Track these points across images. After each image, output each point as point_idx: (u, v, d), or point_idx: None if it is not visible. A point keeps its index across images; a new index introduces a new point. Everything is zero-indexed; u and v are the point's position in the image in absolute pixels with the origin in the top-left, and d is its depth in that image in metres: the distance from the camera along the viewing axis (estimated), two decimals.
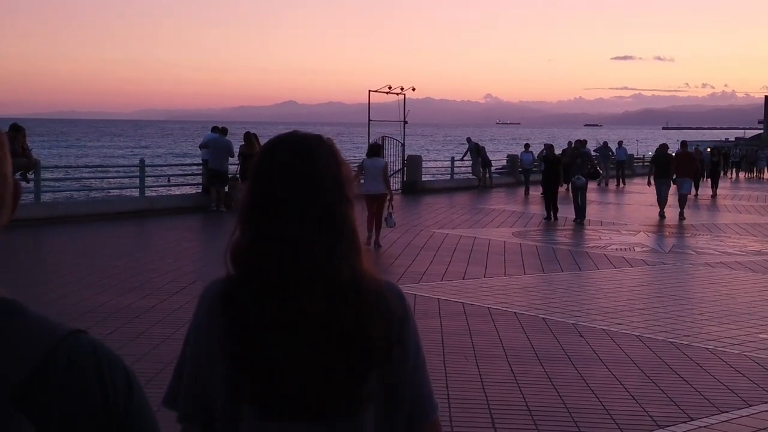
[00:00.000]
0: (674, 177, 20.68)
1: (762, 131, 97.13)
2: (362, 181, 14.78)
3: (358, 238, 1.73)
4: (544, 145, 24.77)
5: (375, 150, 14.82)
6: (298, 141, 1.73)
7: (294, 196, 1.67)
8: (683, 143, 22.57)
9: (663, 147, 21.41)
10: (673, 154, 22.13)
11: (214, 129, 20.90)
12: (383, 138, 25.58)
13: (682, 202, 20.87)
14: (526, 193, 27.34)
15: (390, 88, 26.55)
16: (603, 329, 8.57)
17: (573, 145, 23.55)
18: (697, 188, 26.13)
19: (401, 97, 27.03)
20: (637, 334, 8.40)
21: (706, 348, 7.94)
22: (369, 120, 26.15)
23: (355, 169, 14.45)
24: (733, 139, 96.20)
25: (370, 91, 25.97)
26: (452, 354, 7.41)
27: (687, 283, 11.79)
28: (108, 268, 11.43)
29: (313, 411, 1.63)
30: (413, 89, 27.43)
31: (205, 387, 1.69)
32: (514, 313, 9.23)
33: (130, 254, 12.93)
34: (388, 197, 14.19)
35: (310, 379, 1.62)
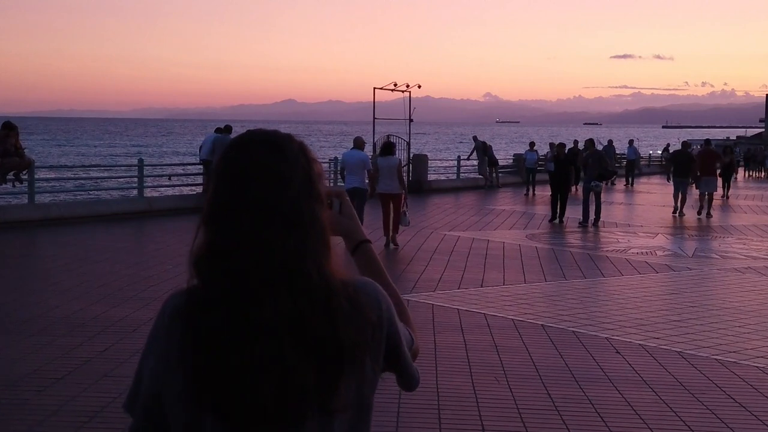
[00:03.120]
0: (698, 175, 20.42)
1: (763, 130, 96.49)
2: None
3: (329, 239, 1.64)
4: (551, 144, 23.99)
5: (388, 148, 14.41)
6: (267, 136, 1.65)
7: (261, 193, 1.58)
8: (707, 141, 22.08)
9: (684, 145, 20.94)
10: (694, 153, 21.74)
11: (218, 130, 20.27)
12: (388, 136, 24.95)
13: (709, 200, 20.72)
14: (532, 192, 26.69)
15: (395, 85, 25.89)
16: (640, 344, 7.89)
17: (585, 145, 22.68)
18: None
19: (404, 95, 26.37)
20: (678, 350, 7.71)
21: (757, 366, 7.26)
22: (374, 118, 25.46)
23: (371, 167, 14.07)
24: (734, 138, 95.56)
25: (375, 88, 25.29)
26: (480, 374, 6.73)
27: (719, 290, 11.09)
28: (104, 275, 10.75)
29: (280, 420, 1.54)
30: (419, 87, 26.78)
31: (160, 402, 1.61)
32: (541, 325, 8.55)
33: (127, 259, 12.24)
34: (404, 196, 13.96)
35: (274, 387, 1.52)
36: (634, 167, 33.96)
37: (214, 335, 1.54)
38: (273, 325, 1.54)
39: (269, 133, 1.67)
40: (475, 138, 30.90)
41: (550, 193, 20.39)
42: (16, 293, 9.65)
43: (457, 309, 9.22)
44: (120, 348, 7.26)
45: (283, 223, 1.58)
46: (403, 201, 14.01)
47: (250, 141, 1.65)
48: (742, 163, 42.65)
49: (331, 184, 21.28)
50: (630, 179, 33.07)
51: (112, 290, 9.78)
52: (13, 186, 16.34)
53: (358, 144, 14.45)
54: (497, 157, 30.88)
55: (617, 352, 7.57)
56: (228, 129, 19.83)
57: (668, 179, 21.66)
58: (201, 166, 20.75)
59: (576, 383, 6.57)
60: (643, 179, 36.36)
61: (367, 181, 14.04)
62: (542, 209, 21.57)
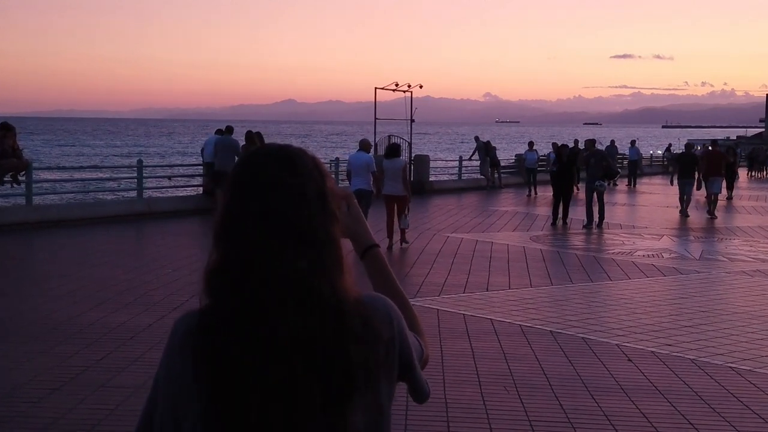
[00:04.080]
0: (704, 176, 20.39)
1: (763, 130, 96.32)
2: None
3: (342, 255, 1.61)
4: (554, 145, 23.69)
5: (394, 150, 14.49)
6: (280, 151, 1.64)
7: (274, 207, 1.56)
8: (714, 142, 21.97)
9: (687, 147, 20.84)
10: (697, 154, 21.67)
11: (218, 132, 20.00)
12: (390, 137, 24.76)
13: (714, 201, 20.60)
14: (532, 193, 26.46)
15: (397, 85, 25.69)
16: (652, 351, 7.68)
17: (585, 145, 22.35)
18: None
19: (404, 95, 26.20)
20: (692, 357, 7.51)
21: None
22: (375, 118, 25.28)
23: (375, 169, 14.07)
24: (735, 138, 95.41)
25: (376, 88, 25.11)
26: (489, 384, 6.53)
27: (729, 294, 10.89)
28: (101, 279, 10.54)
29: None
30: (420, 87, 26.60)
31: (179, 426, 1.57)
32: (550, 331, 8.35)
33: (126, 263, 12.04)
34: (408, 199, 14.10)
35: (282, 406, 1.49)
36: (636, 168, 33.69)
37: (226, 355, 1.51)
38: (284, 344, 1.51)
39: (283, 147, 1.65)
40: (477, 138, 30.69)
41: (552, 194, 20.15)
42: (11, 298, 9.46)
43: (463, 314, 9.02)
44: (118, 356, 7.05)
45: (297, 239, 1.55)
46: (406, 204, 14.09)
47: (264, 155, 1.63)
48: (743, 163, 42.39)
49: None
50: (632, 180, 32.83)
51: (110, 295, 9.58)
52: (12, 187, 16.15)
53: (364, 146, 14.44)
54: (498, 157, 30.62)
55: (629, 360, 7.36)
56: (230, 130, 19.58)
57: (671, 182, 21.56)
58: (201, 167, 20.55)
59: (588, 393, 6.36)
60: (645, 180, 36.14)
61: (372, 182, 14.02)
62: (545, 210, 21.35)
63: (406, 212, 14.09)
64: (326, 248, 1.58)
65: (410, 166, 25.88)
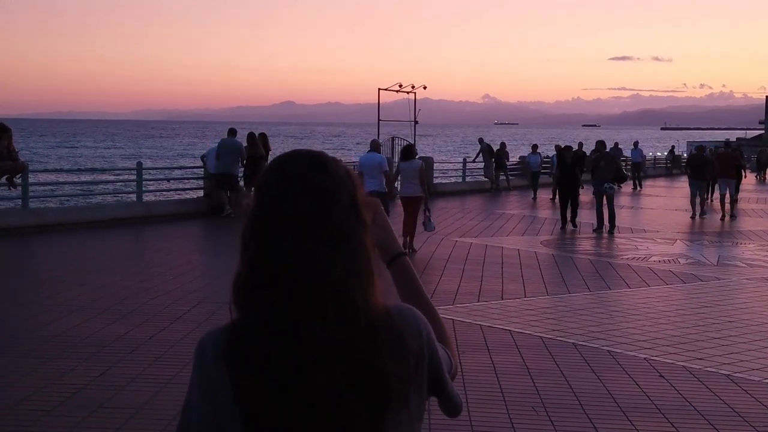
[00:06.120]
0: (714, 177, 20.23)
1: (763, 131, 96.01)
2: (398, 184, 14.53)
3: (373, 264, 1.56)
4: (557, 147, 23.25)
5: (409, 152, 14.39)
6: (311, 155, 1.60)
7: (305, 210, 1.51)
8: (726, 143, 21.70)
9: (699, 149, 20.55)
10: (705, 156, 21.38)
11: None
12: (393, 138, 24.38)
13: (731, 202, 20.54)
14: (534, 197, 25.95)
15: (401, 86, 25.31)
16: (683, 366, 7.25)
17: (595, 147, 21.81)
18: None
19: (406, 96, 25.83)
20: (726, 372, 7.07)
21: None
22: (378, 120, 24.89)
23: (387, 170, 13.88)
24: (734, 140, 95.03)
25: (380, 89, 24.71)
26: (515, 403, 6.10)
27: (754, 303, 10.43)
28: (100, 287, 10.10)
29: None
30: (424, 87, 26.23)
31: None
32: (573, 344, 7.91)
33: (124, 269, 11.60)
34: (425, 200, 13.94)
35: (328, 419, 1.46)
36: (640, 170, 33.30)
37: (266, 366, 1.47)
38: (323, 353, 1.47)
39: (315, 152, 1.62)
40: (480, 140, 30.28)
41: (552, 197, 19.63)
42: (5, 307, 9.02)
43: (480, 325, 8.59)
44: (117, 372, 6.61)
45: (330, 243, 1.50)
46: (423, 205, 13.89)
47: (297, 156, 1.59)
48: (748, 166, 41.86)
49: None
50: (637, 182, 32.42)
51: (109, 304, 9.14)
52: (10, 189, 15.72)
53: (375, 146, 14.32)
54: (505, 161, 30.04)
55: (660, 376, 6.93)
56: (233, 132, 19.17)
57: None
58: (202, 170, 20.14)
59: (622, 413, 5.93)
60: (649, 182, 35.75)
61: (385, 183, 13.74)
62: (551, 214, 20.94)
63: (428, 213, 13.92)
64: (359, 255, 1.53)
65: None
